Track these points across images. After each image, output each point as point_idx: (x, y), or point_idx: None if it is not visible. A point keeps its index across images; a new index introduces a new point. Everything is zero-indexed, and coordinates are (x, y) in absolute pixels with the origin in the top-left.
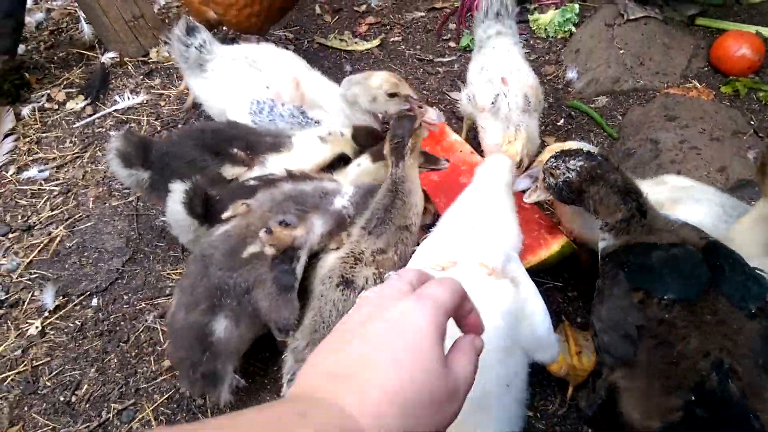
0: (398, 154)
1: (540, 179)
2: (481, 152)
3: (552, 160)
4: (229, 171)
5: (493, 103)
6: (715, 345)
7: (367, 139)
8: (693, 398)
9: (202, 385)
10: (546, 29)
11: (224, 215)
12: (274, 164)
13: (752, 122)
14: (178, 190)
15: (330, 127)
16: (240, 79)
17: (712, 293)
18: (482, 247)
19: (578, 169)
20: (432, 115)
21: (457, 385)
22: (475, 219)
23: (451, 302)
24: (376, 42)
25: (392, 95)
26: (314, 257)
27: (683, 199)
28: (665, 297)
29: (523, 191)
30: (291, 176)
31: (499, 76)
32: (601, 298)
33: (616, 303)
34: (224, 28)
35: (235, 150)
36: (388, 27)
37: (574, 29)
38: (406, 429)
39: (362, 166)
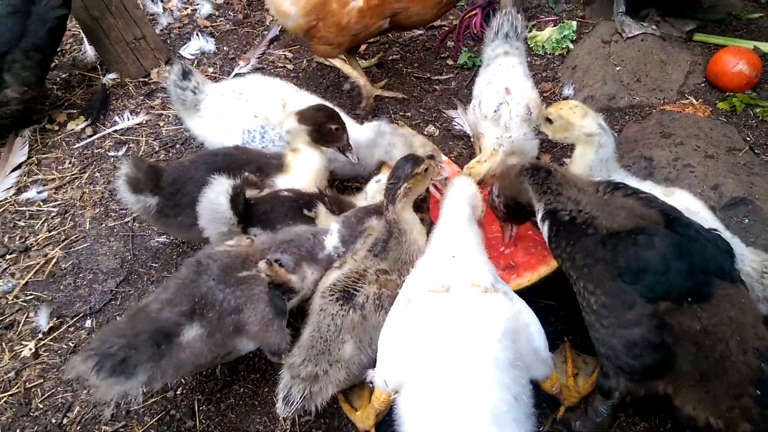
0: (389, 197)
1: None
2: None
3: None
4: None
5: (495, 110)
6: (748, 337)
7: None
8: (758, 392)
9: (116, 367)
10: (544, 46)
11: (228, 243)
12: (281, 184)
13: (748, 138)
14: (224, 183)
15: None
16: (230, 113)
17: (716, 282)
18: (471, 270)
19: (496, 192)
20: (444, 173)
21: None
22: (452, 249)
23: None
24: (374, 60)
25: (430, 157)
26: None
27: None
28: (687, 300)
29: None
30: (321, 193)
31: (503, 87)
32: (616, 314)
33: (640, 322)
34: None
35: (247, 174)
36: (386, 45)
37: (571, 46)
38: None
39: (381, 182)
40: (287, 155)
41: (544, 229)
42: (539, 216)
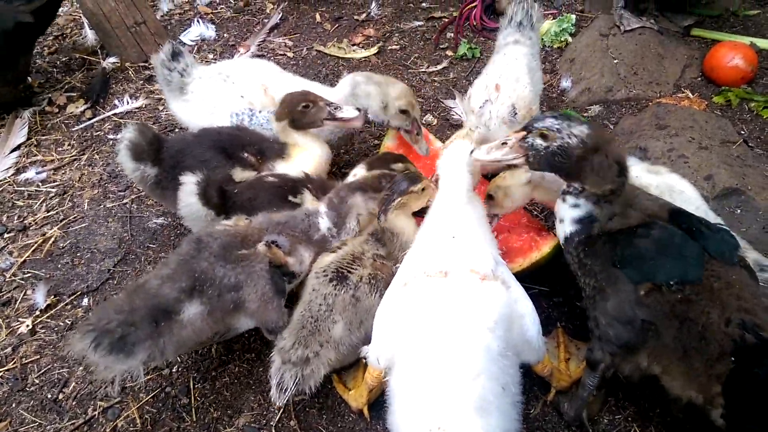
0: (382, 207)
1: (516, 140)
2: None
3: (551, 120)
4: (239, 174)
5: (481, 107)
6: (733, 309)
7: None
8: (734, 359)
9: (114, 344)
10: (543, 39)
11: (226, 222)
12: (280, 170)
13: (743, 132)
14: (189, 182)
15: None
16: (217, 95)
17: (708, 260)
18: (471, 255)
19: (584, 136)
20: (422, 150)
21: None
22: (453, 229)
23: None
24: (374, 50)
25: (403, 111)
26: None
27: None
28: (671, 282)
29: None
30: (308, 178)
31: (494, 83)
32: (603, 295)
33: (623, 298)
34: None
35: (246, 154)
36: (386, 35)
37: (570, 39)
38: None
39: (358, 176)
40: (288, 146)
41: (569, 227)
42: (573, 211)
